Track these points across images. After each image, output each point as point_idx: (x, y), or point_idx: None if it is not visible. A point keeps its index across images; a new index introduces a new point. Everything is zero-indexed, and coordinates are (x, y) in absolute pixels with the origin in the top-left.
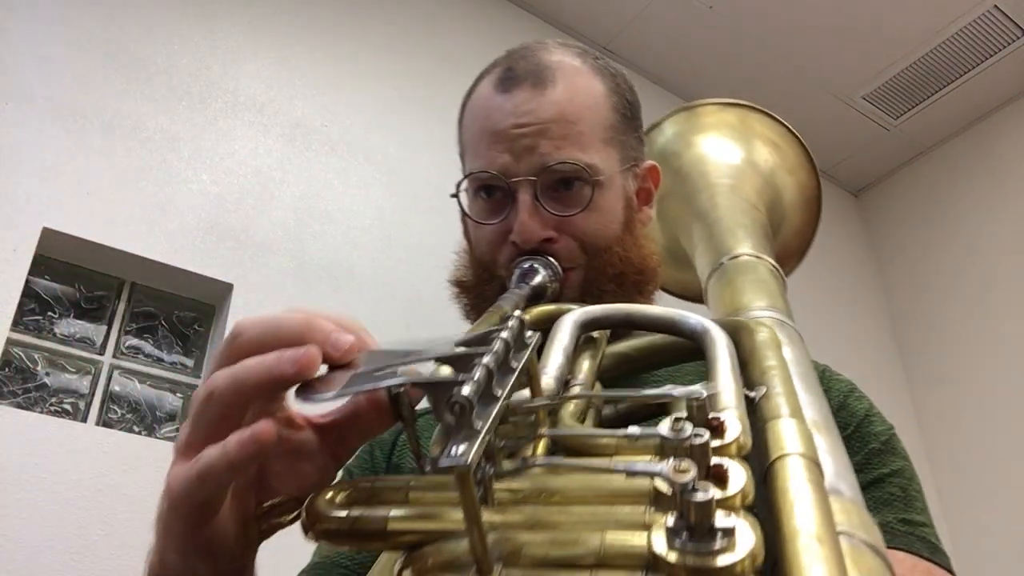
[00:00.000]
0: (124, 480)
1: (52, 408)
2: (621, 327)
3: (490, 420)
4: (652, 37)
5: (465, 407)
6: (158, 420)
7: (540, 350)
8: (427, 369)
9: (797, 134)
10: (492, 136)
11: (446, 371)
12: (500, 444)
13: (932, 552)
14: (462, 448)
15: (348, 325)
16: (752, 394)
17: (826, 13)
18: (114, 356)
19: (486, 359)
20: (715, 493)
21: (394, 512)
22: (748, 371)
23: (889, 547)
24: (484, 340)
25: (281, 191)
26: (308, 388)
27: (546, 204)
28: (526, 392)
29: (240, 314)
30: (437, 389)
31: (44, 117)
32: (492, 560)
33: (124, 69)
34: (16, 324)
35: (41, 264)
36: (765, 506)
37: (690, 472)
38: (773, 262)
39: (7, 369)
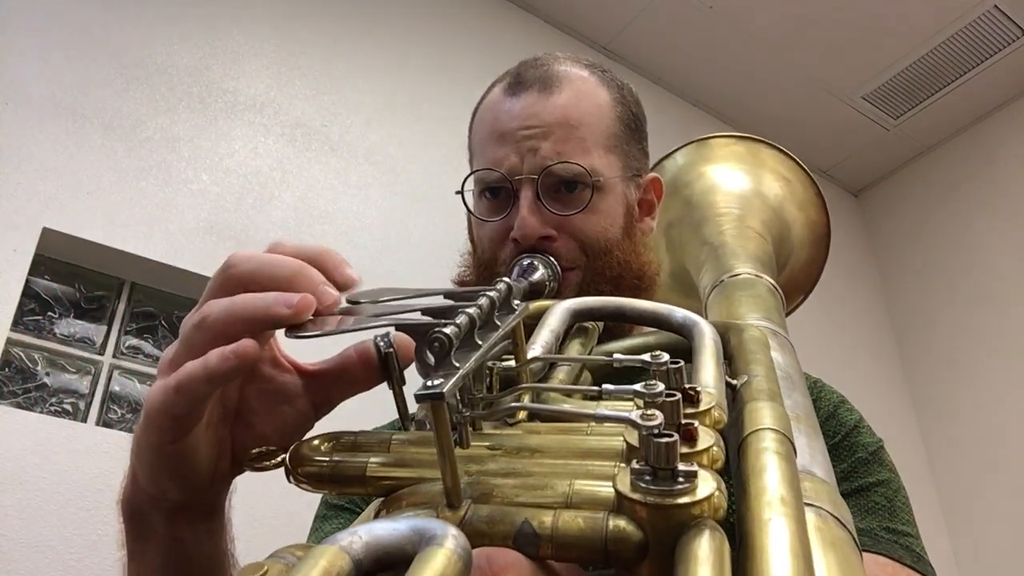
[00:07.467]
0: None
1: (52, 408)
2: (612, 319)
3: (470, 361)
4: (652, 37)
5: (444, 343)
6: None
7: (530, 332)
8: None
9: (808, 171)
10: (499, 137)
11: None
12: (479, 397)
13: (916, 561)
14: (439, 380)
15: (338, 276)
16: (734, 382)
17: (826, 13)
18: (114, 356)
19: (471, 309)
20: (679, 440)
21: (374, 459)
22: (734, 364)
23: (872, 552)
24: (471, 297)
25: (281, 191)
26: (297, 327)
27: (547, 204)
28: (511, 363)
29: None
30: (422, 331)
31: (44, 117)
32: (463, 496)
33: (124, 69)
34: (16, 324)
35: (41, 264)
36: (737, 481)
37: (657, 418)
38: (772, 281)
39: (7, 369)
